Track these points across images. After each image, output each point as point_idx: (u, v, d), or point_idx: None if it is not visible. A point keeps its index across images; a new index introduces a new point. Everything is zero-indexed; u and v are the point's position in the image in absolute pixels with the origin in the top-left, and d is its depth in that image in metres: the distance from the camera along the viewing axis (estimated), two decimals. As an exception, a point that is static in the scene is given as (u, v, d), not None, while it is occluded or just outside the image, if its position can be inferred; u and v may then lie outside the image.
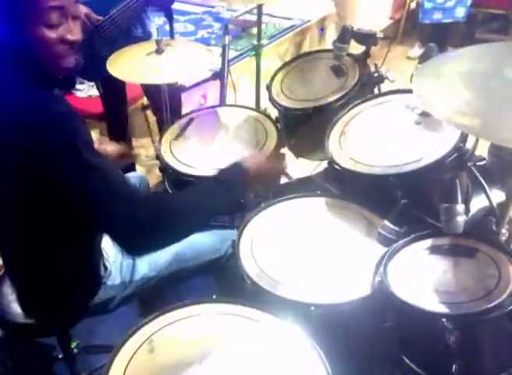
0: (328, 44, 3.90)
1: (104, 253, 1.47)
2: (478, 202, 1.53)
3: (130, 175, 1.95)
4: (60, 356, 1.67)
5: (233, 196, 1.36)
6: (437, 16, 3.88)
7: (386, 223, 1.35)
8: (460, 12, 3.82)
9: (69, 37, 1.19)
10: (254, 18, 3.56)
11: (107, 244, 1.49)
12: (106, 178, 1.15)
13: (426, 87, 1.27)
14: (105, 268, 1.46)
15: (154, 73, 1.88)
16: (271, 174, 1.53)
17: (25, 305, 1.43)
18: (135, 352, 1.13)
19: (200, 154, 1.79)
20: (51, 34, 1.16)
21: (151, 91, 2.55)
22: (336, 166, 1.58)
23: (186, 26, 4.01)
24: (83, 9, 2.11)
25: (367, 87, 1.86)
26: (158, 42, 1.93)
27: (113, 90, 2.49)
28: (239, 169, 1.36)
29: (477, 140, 1.43)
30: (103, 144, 1.72)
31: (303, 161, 2.07)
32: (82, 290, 1.42)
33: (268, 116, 1.92)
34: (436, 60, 1.40)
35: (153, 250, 1.23)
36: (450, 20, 3.86)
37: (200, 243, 1.60)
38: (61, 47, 1.19)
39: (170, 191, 1.80)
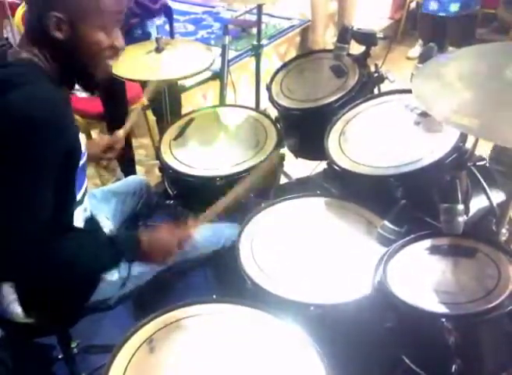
0: (328, 44, 3.90)
1: None
2: (478, 202, 1.53)
3: (130, 178, 1.95)
4: (60, 356, 1.66)
5: (117, 262, 1.34)
6: (433, 7, 3.87)
7: (386, 223, 1.36)
8: (455, 8, 3.81)
9: (117, 44, 1.21)
10: (253, 18, 3.56)
11: None
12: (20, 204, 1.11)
13: (426, 87, 1.27)
14: None
15: (153, 72, 1.88)
16: (168, 248, 1.34)
17: (25, 303, 1.43)
18: (135, 352, 1.13)
19: (199, 154, 1.79)
20: (106, 39, 1.18)
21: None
22: (336, 167, 1.58)
23: (185, 26, 4.00)
24: None
25: (367, 87, 1.87)
26: (157, 40, 1.94)
27: (113, 90, 2.49)
28: (133, 240, 1.31)
29: (476, 140, 1.43)
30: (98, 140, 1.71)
31: (302, 161, 2.07)
32: (81, 286, 1.42)
33: (268, 116, 1.92)
34: (436, 60, 1.40)
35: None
36: (444, 14, 3.85)
37: (198, 236, 1.60)
38: (109, 52, 1.21)
39: (170, 192, 1.80)
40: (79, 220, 1.40)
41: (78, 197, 1.36)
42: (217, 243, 1.60)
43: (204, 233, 1.62)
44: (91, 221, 1.50)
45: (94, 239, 1.32)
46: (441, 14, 3.85)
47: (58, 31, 1.15)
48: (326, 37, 4.06)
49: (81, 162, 1.30)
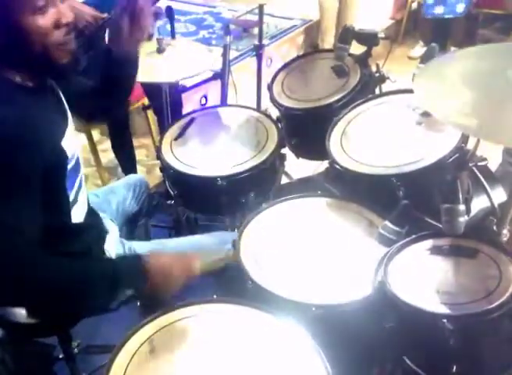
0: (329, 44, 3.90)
1: (107, 254, 1.47)
2: (479, 203, 1.53)
3: (128, 177, 1.94)
4: (61, 356, 1.66)
5: (119, 290, 1.21)
6: (438, 11, 3.89)
7: (387, 223, 1.35)
8: (460, 8, 3.84)
9: (63, 20, 1.14)
10: (255, 18, 3.56)
11: (110, 247, 1.49)
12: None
13: (427, 87, 1.27)
14: None
15: (155, 72, 1.88)
16: (176, 278, 1.24)
17: (27, 304, 1.42)
18: (135, 352, 1.13)
19: (200, 154, 1.79)
20: (43, 21, 1.10)
21: (151, 90, 2.55)
22: (337, 166, 1.58)
23: (187, 26, 4.01)
24: (89, 11, 2.11)
25: (368, 87, 1.86)
26: (159, 41, 1.94)
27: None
28: (139, 267, 1.19)
29: (478, 140, 1.42)
30: None
31: (304, 161, 2.07)
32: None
33: (269, 116, 1.92)
34: (438, 60, 1.40)
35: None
36: (451, 16, 3.87)
37: (200, 244, 1.60)
38: (57, 33, 1.14)
39: (171, 192, 1.80)
40: (77, 217, 1.38)
41: (71, 196, 1.32)
42: (219, 252, 1.59)
43: (206, 242, 1.62)
44: (91, 216, 1.48)
45: (90, 265, 1.21)
46: (447, 16, 3.87)
47: None
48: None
49: (69, 167, 1.26)
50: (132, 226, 1.79)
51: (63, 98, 1.34)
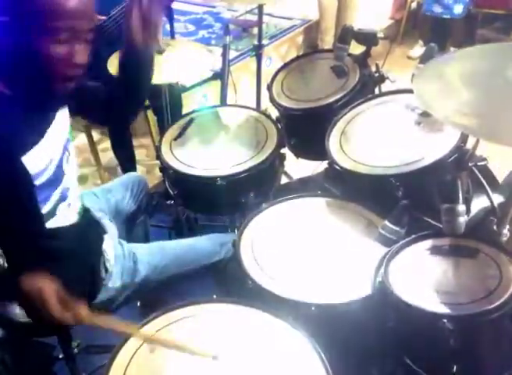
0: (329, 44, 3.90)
1: (105, 254, 1.47)
2: (479, 203, 1.53)
3: (126, 176, 1.93)
4: (60, 356, 1.66)
5: None
6: (437, 10, 3.90)
7: (387, 223, 1.35)
8: (459, 9, 3.85)
9: (75, 59, 1.16)
10: (254, 18, 3.56)
11: (108, 247, 1.49)
12: None
13: (427, 87, 1.27)
14: (106, 270, 1.46)
15: (154, 72, 1.87)
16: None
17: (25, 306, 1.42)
18: (135, 352, 1.13)
19: (200, 154, 1.79)
20: (59, 50, 1.13)
21: (151, 90, 2.55)
22: (337, 167, 1.58)
23: (186, 26, 4.01)
24: None
25: (367, 87, 1.86)
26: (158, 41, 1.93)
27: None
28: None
29: (477, 140, 1.43)
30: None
31: (303, 161, 2.07)
32: (82, 291, 1.41)
33: (269, 116, 1.92)
34: (437, 60, 1.40)
35: None
36: (449, 16, 3.88)
37: (200, 246, 1.60)
38: (65, 66, 1.16)
39: (171, 192, 1.80)
40: (68, 219, 1.36)
41: (46, 209, 1.27)
42: (218, 254, 1.59)
43: (206, 244, 1.62)
44: (85, 218, 1.46)
45: None
46: (445, 16, 3.87)
47: None
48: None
49: (38, 183, 1.21)
50: (130, 226, 1.78)
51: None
